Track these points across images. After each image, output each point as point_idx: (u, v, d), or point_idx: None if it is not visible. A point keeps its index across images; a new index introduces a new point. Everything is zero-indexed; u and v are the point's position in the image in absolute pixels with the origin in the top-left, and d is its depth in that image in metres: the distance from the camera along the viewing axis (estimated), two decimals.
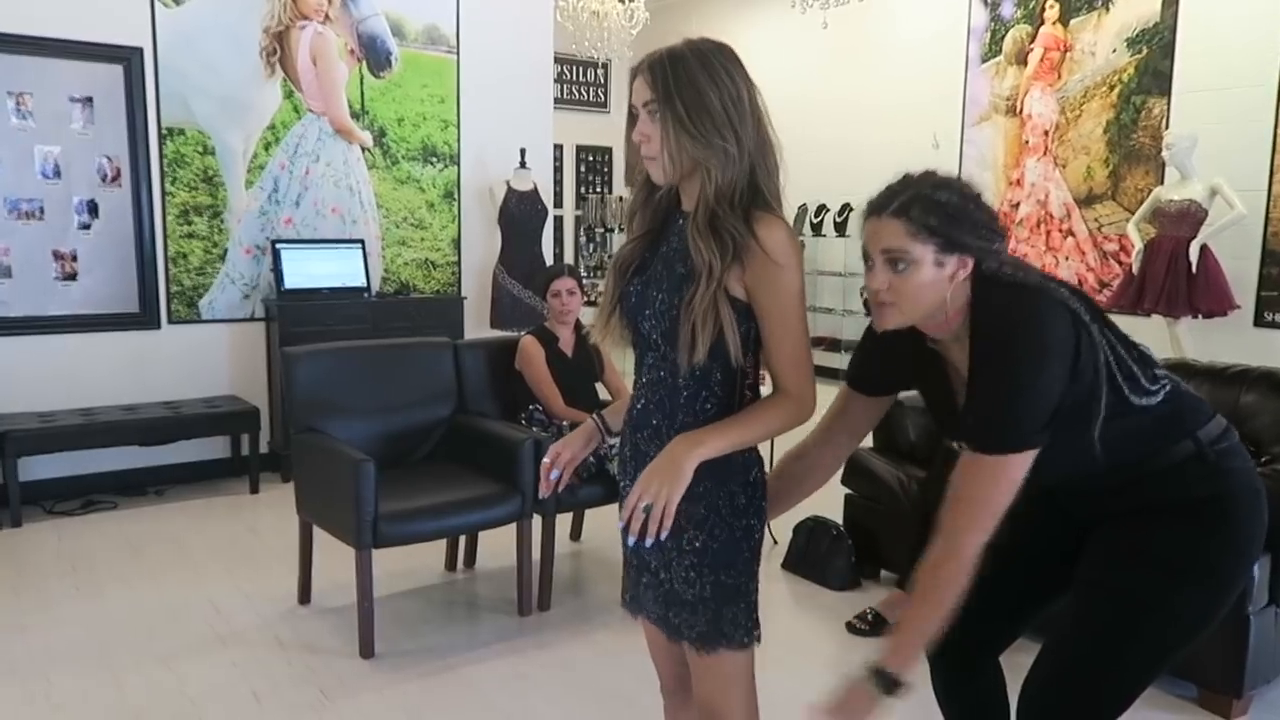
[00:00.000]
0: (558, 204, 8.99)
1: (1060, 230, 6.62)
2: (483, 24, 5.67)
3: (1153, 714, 2.69)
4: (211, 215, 4.94)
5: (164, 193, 4.80)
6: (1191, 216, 5.32)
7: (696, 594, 1.57)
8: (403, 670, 2.96)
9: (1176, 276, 5.30)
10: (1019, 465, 1.50)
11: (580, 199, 10.11)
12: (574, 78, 10.20)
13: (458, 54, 5.63)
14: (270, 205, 5.10)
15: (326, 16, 5.13)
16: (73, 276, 4.62)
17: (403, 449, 3.53)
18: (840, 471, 3.74)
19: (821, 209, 8.25)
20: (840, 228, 8.08)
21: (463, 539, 3.74)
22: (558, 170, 9.69)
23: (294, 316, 4.87)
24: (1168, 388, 1.62)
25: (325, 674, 2.92)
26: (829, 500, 3.86)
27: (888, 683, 1.54)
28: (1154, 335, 4.90)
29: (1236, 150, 5.50)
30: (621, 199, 8.58)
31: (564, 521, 3.98)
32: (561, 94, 9.65)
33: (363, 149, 5.36)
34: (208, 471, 4.96)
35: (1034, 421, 1.49)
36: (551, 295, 3.73)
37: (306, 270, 5.04)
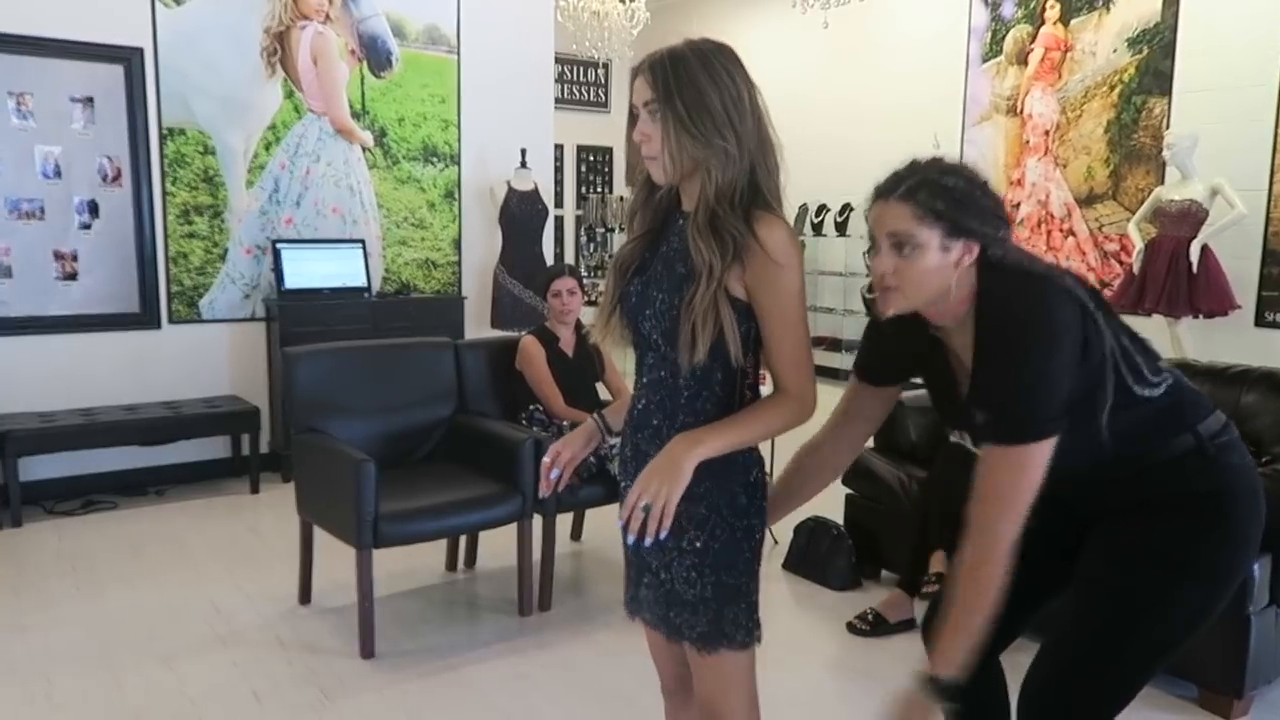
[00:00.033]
0: (558, 204, 8.99)
1: (1061, 230, 6.62)
2: (483, 24, 5.68)
3: (1153, 714, 2.69)
4: (212, 215, 4.94)
5: (164, 193, 4.80)
6: (1192, 216, 5.31)
7: (697, 594, 1.57)
8: (403, 670, 2.96)
9: (1177, 276, 5.29)
10: (1041, 453, 1.49)
11: (581, 199, 10.11)
12: (574, 78, 10.20)
13: (458, 54, 5.63)
14: (271, 205, 5.10)
15: (327, 16, 5.13)
16: (73, 276, 4.62)
17: (403, 449, 3.53)
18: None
19: (822, 209, 8.24)
20: (841, 228, 8.08)
21: (463, 539, 3.74)
22: (558, 170, 9.68)
23: (294, 316, 4.87)
24: (1169, 381, 1.63)
25: (326, 674, 2.92)
26: (830, 500, 3.85)
27: (942, 690, 1.52)
28: (1155, 335, 4.87)
29: (1237, 150, 5.50)
30: (622, 199, 8.58)
31: (564, 521, 3.97)
32: (562, 94, 9.65)
33: (363, 149, 5.36)
34: (208, 471, 4.96)
35: (1050, 408, 1.49)
36: (552, 295, 3.73)
37: (307, 270, 5.04)
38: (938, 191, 1.51)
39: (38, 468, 4.45)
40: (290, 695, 2.79)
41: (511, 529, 3.28)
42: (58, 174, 4.54)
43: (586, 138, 10.29)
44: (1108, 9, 6.26)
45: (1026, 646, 1.80)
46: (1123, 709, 1.67)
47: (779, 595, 3.57)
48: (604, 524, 4.05)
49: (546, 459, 1.71)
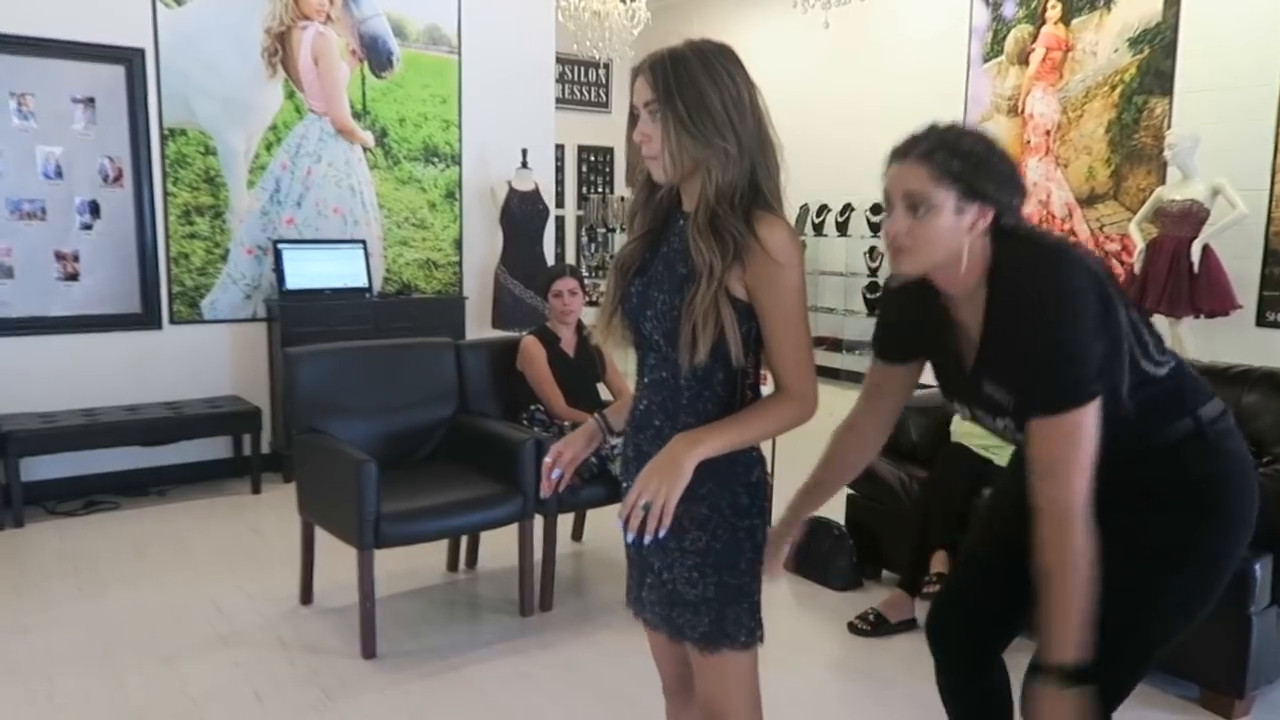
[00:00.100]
0: (559, 204, 9.00)
1: (1062, 230, 6.61)
2: (484, 24, 5.68)
3: (1155, 714, 2.69)
4: (213, 215, 4.94)
5: (166, 193, 4.80)
6: (1193, 216, 5.31)
7: (699, 594, 1.57)
8: (405, 670, 2.96)
9: (1178, 276, 5.29)
10: (1089, 416, 1.49)
11: (581, 199, 10.12)
12: (575, 78, 10.20)
13: (459, 54, 5.63)
14: (272, 205, 5.10)
15: (328, 17, 5.14)
16: (74, 277, 4.62)
17: (404, 449, 3.53)
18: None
19: (823, 209, 8.25)
20: (841, 228, 8.08)
21: (464, 539, 3.74)
22: (559, 170, 9.69)
23: (296, 317, 4.87)
24: (1172, 363, 1.64)
25: (327, 674, 2.92)
26: (831, 501, 3.85)
27: (1073, 675, 1.49)
28: None
29: (1238, 150, 5.49)
30: (623, 199, 8.58)
31: (565, 522, 3.97)
32: (563, 94, 9.65)
33: (364, 149, 5.36)
34: (210, 472, 4.96)
35: (1088, 370, 1.48)
36: (553, 295, 3.73)
37: (308, 270, 5.04)
38: (955, 153, 1.52)
39: (39, 468, 4.45)
40: (292, 695, 2.80)
41: (513, 529, 3.28)
42: (59, 174, 4.54)
43: (587, 138, 10.29)
44: (1109, 9, 6.26)
45: (1026, 646, 1.80)
46: (1125, 696, 1.67)
47: (780, 595, 3.57)
48: (605, 524, 4.05)
49: (548, 459, 1.71)
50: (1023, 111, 6.80)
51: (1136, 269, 5.52)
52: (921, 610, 3.27)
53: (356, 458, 2.98)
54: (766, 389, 1.59)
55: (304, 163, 5.17)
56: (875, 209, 7.72)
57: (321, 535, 3.29)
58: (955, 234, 1.53)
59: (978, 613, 1.91)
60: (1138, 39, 6.10)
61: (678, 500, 1.46)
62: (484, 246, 5.87)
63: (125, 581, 3.64)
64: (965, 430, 3.43)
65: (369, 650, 3.02)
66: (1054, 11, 6.58)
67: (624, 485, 1.68)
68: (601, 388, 3.86)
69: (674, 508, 1.46)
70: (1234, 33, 5.61)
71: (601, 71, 10.32)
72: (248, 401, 4.93)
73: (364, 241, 5.30)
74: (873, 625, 3.23)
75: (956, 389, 1.72)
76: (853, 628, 3.26)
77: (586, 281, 4.34)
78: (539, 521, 3.34)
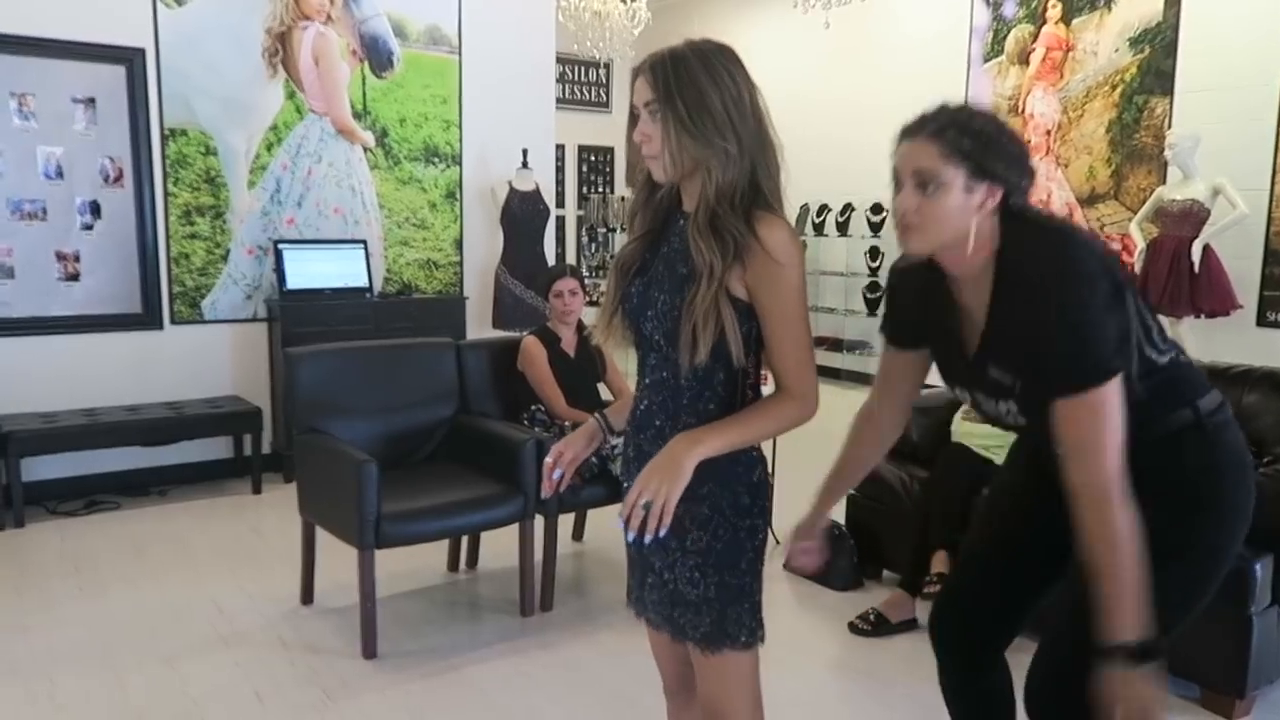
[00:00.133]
0: (559, 204, 8.99)
1: None
2: (484, 24, 5.68)
3: None
4: (214, 216, 4.95)
5: (166, 193, 4.80)
6: (1194, 216, 5.31)
7: (700, 594, 1.57)
8: (405, 670, 2.96)
9: (1179, 276, 5.29)
10: (1112, 393, 1.49)
11: (582, 199, 10.12)
12: (576, 78, 10.20)
13: (460, 54, 5.63)
14: (272, 205, 5.10)
15: (328, 17, 5.14)
16: (75, 277, 4.63)
17: (405, 449, 3.53)
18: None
19: (823, 209, 8.25)
20: (842, 228, 8.09)
21: (465, 539, 3.74)
22: (559, 170, 9.69)
23: (296, 317, 4.87)
24: (1173, 352, 1.64)
25: (328, 674, 2.92)
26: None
27: (1141, 652, 1.48)
28: None
29: (1239, 150, 5.49)
30: (623, 199, 8.58)
31: (566, 522, 3.97)
32: (563, 94, 9.66)
33: (365, 149, 5.37)
34: (210, 472, 4.96)
35: (1107, 346, 1.49)
36: (554, 296, 3.73)
37: (309, 270, 5.04)
38: (966, 131, 1.52)
39: (40, 468, 4.46)
40: (292, 695, 2.80)
41: (513, 529, 3.29)
42: (60, 175, 4.54)
43: (588, 138, 10.30)
44: (1109, 9, 6.26)
45: (1028, 646, 1.81)
46: None
47: (781, 595, 3.57)
48: (606, 524, 4.05)
49: (549, 459, 1.71)
50: (1023, 111, 6.80)
51: (1137, 269, 5.52)
52: (922, 610, 3.27)
53: (357, 458, 2.99)
54: (767, 389, 1.59)
55: (304, 163, 5.17)
56: (876, 209, 7.73)
57: (322, 535, 3.29)
58: (964, 213, 1.53)
59: (978, 611, 1.91)
60: (1138, 39, 6.10)
61: (678, 500, 1.46)
62: (484, 246, 5.87)
63: (126, 581, 3.64)
64: (965, 430, 3.43)
65: (369, 650, 3.02)
66: (1054, 11, 6.58)
67: (625, 485, 1.68)
68: (602, 388, 3.86)
69: (674, 507, 1.46)
70: (1234, 32, 5.61)
71: (602, 71, 10.33)
72: (248, 401, 4.93)
73: (364, 241, 5.31)
74: (873, 625, 3.23)
75: (958, 374, 1.72)
76: (853, 628, 3.26)
77: (587, 281, 4.34)
78: (539, 521, 3.34)
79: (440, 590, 3.62)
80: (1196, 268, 5.25)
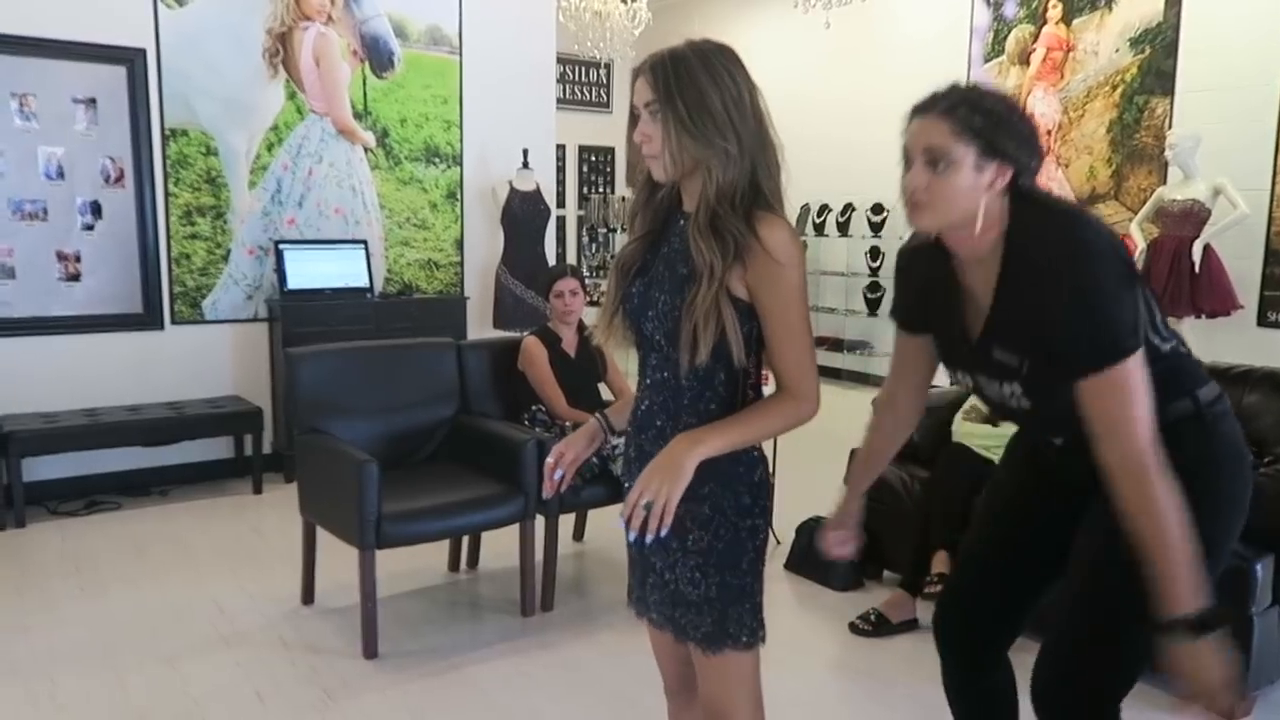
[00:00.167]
0: (560, 204, 8.99)
1: None
2: (485, 24, 5.68)
3: (1156, 714, 2.68)
4: (215, 216, 4.95)
5: (167, 193, 4.81)
6: (1194, 216, 5.31)
7: (701, 594, 1.57)
8: (406, 670, 2.96)
9: (1179, 276, 5.29)
10: (1136, 367, 1.49)
11: (583, 199, 10.12)
12: (576, 78, 10.20)
13: (460, 54, 5.63)
14: (273, 206, 5.10)
15: (329, 17, 5.14)
16: (76, 277, 4.63)
17: (406, 449, 3.53)
18: (843, 473, 3.76)
19: (824, 209, 8.25)
20: (842, 228, 8.09)
21: (466, 539, 3.74)
22: (560, 170, 9.68)
23: (297, 317, 4.87)
24: (1174, 341, 1.65)
25: (328, 674, 2.92)
26: (831, 500, 3.86)
27: (1202, 622, 1.47)
28: None
29: (1239, 150, 5.49)
30: (624, 199, 8.58)
31: (567, 522, 3.97)
32: (564, 94, 9.66)
33: (365, 149, 5.37)
34: (211, 472, 4.96)
35: (1125, 322, 1.49)
36: (554, 296, 3.73)
37: (309, 271, 5.04)
38: (977, 109, 1.53)
39: (41, 468, 4.46)
40: (293, 695, 2.80)
41: (514, 529, 3.29)
42: (60, 175, 4.55)
43: (588, 138, 10.30)
44: (1110, 9, 6.26)
45: (1031, 646, 1.81)
46: (1132, 685, 1.68)
47: (781, 595, 3.57)
48: (606, 524, 4.05)
49: (550, 460, 1.71)
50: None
51: (1137, 269, 5.52)
52: (923, 610, 3.27)
53: (358, 458, 2.99)
54: (769, 389, 1.59)
55: (305, 163, 5.17)
56: (876, 209, 7.73)
57: (323, 535, 3.29)
58: (973, 192, 1.53)
59: (979, 611, 1.91)
60: (1139, 39, 6.10)
61: (679, 500, 1.46)
62: (485, 247, 5.87)
63: (127, 581, 3.64)
64: (966, 431, 3.43)
65: (370, 650, 3.02)
66: (1055, 11, 6.58)
67: (626, 485, 1.68)
68: (603, 388, 3.86)
69: (675, 507, 1.46)
70: (1235, 33, 5.61)
71: (602, 72, 10.33)
72: (249, 402, 4.93)
73: (365, 242, 5.31)
74: (874, 625, 3.23)
75: (960, 358, 1.72)
76: (854, 628, 3.26)
77: (587, 281, 4.35)
78: (540, 522, 3.34)
79: (441, 590, 3.62)
80: (1197, 268, 5.25)
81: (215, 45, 4.84)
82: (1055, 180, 6.62)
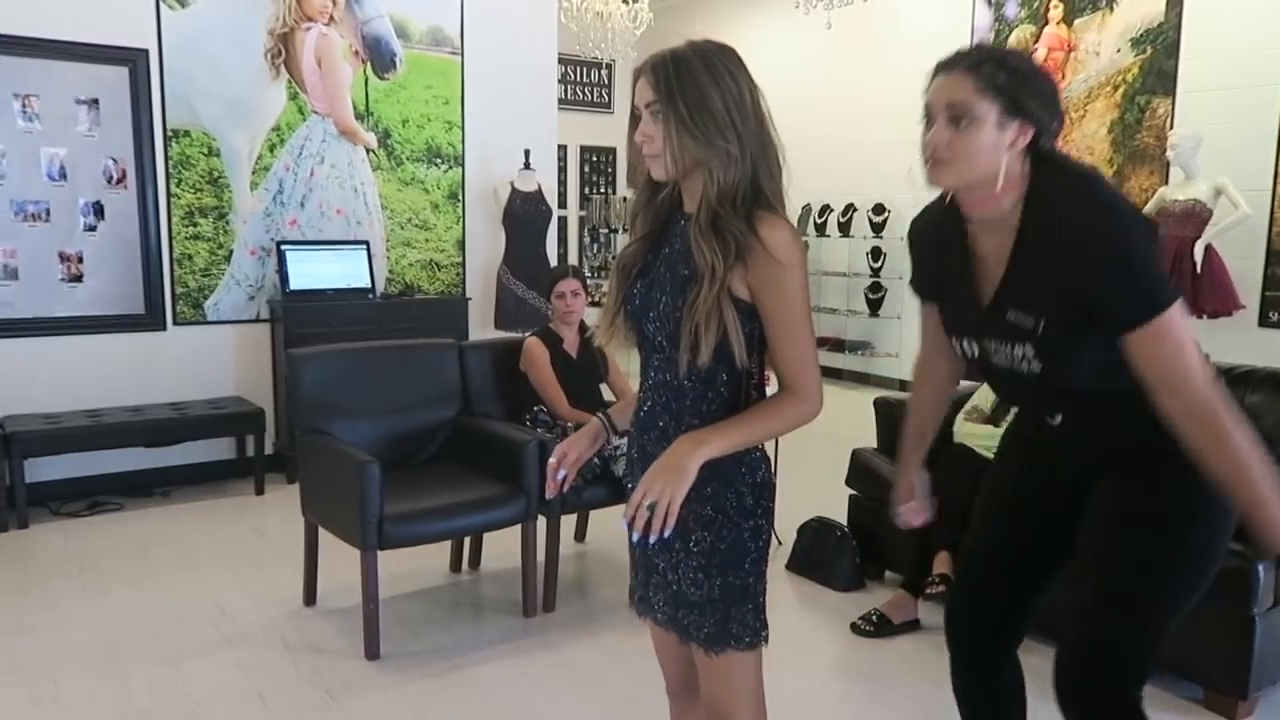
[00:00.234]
0: (562, 205, 9.00)
1: None
2: (486, 25, 5.68)
3: (1158, 715, 2.67)
4: (217, 217, 4.95)
5: (169, 194, 4.81)
6: (1196, 216, 5.31)
7: (704, 595, 1.57)
8: (408, 671, 2.96)
9: (1181, 277, 5.29)
10: (1179, 314, 1.49)
11: (584, 199, 10.12)
12: (578, 78, 10.21)
13: (462, 55, 5.64)
14: (275, 207, 5.11)
15: (331, 18, 5.14)
16: (78, 278, 4.63)
17: (407, 450, 3.54)
18: (844, 473, 3.76)
19: (825, 209, 8.25)
20: (844, 228, 8.09)
21: (467, 540, 3.74)
22: (562, 171, 9.70)
23: (299, 318, 4.88)
24: None
25: (330, 675, 2.93)
26: (833, 501, 3.86)
27: None
28: None
29: (1241, 150, 5.49)
30: (625, 200, 8.59)
31: (569, 523, 3.97)
32: (565, 95, 9.66)
33: (367, 150, 5.37)
34: (213, 473, 4.97)
35: (1160, 274, 1.51)
36: (556, 296, 3.74)
37: (311, 271, 5.05)
38: (1002, 66, 1.53)
39: (44, 469, 4.46)
40: (295, 696, 2.80)
41: (516, 530, 3.29)
42: (63, 176, 4.55)
43: (590, 138, 10.30)
44: (1111, 9, 6.25)
45: (1037, 649, 1.81)
46: (1149, 676, 1.69)
47: (783, 596, 3.57)
48: (608, 525, 4.05)
49: (552, 460, 1.71)
50: None
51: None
52: (925, 611, 3.27)
53: (360, 459, 2.99)
54: (771, 389, 1.59)
55: (307, 164, 5.18)
56: (878, 209, 7.72)
57: (325, 536, 3.29)
58: (995, 150, 1.54)
59: (985, 610, 1.91)
60: (1140, 39, 6.10)
61: (682, 500, 1.46)
62: (487, 247, 5.87)
63: (129, 582, 3.64)
64: (968, 431, 3.43)
65: (372, 651, 3.02)
66: (1056, 12, 6.57)
67: (628, 486, 1.69)
68: (604, 389, 3.86)
69: (679, 508, 1.46)
70: (1236, 33, 5.61)
71: (604, 72, 10.33)
72: (251, 402, 4.93)
73: (367, 242, 5.31)
74: (876, 626, 3.23)
75: (968, 325, 1.72)
76: (855, 628, 3.26)
77: (589, 282, 4.35)
78: (542, 522, 3.34)
79: (443, 591, 3.62)
80: (1199, 268, 5.25)
81: (217, 46, 4.85)
82: None
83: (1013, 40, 6.84)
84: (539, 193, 5.86)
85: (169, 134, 4.78)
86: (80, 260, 4.63)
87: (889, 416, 3.74)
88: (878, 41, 7.88)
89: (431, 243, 5.68)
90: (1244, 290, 5.39)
